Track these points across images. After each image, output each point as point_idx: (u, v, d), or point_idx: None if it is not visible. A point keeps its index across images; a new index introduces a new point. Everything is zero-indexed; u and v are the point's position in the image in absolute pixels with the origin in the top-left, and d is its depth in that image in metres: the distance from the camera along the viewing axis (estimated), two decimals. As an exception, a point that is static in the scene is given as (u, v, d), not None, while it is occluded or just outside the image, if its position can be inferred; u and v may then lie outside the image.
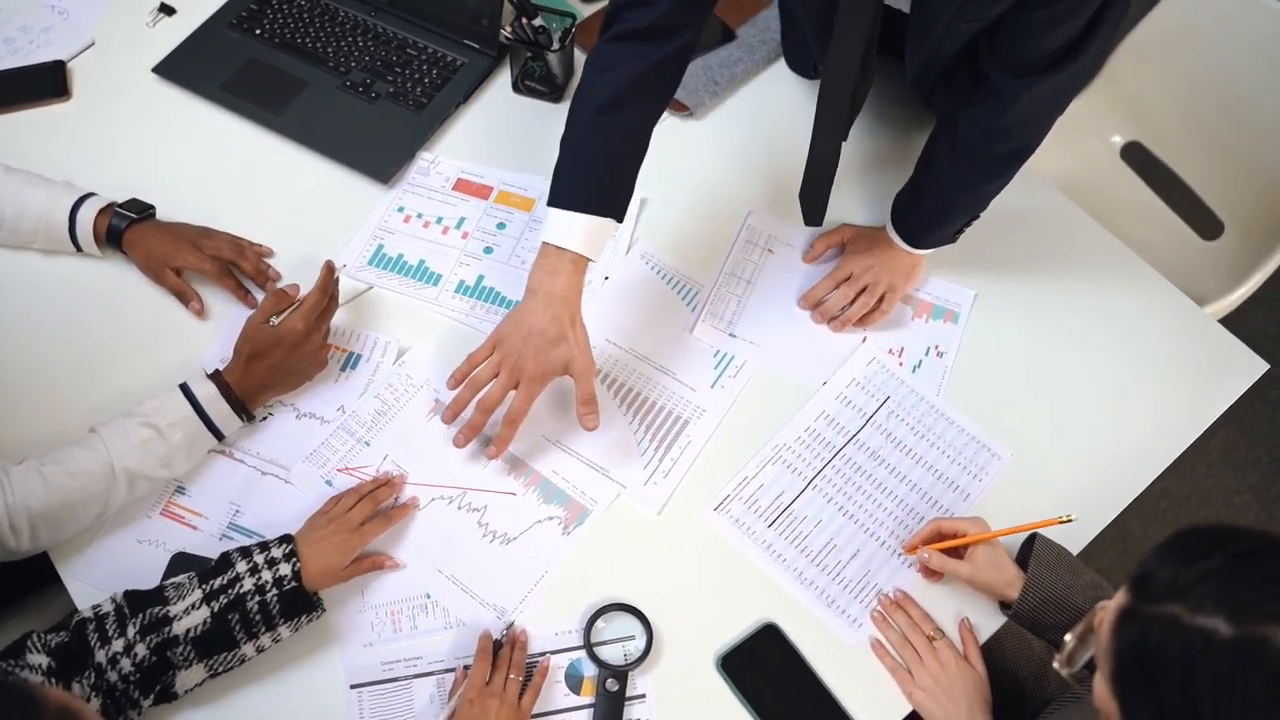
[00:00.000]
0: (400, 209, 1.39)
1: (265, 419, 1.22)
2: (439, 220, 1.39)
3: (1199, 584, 0.67)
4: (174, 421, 1.11)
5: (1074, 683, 0.78)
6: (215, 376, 1.15)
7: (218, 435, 1.15)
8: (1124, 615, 0.70)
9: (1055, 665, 0.79)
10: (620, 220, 1.16)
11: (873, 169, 1.45)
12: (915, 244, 1.30)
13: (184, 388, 1.13)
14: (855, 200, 1.42)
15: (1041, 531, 1.13)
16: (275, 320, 1.16)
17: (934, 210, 1.27)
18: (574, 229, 1.12)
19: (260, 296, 1.30)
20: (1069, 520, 1.10)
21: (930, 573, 1.17)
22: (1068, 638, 0.78)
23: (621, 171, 1.16)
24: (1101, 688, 0.72)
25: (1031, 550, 1.12)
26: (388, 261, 1.35)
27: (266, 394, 1.19)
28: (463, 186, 1.41)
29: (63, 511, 1.06)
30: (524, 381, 1.13)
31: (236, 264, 1.30)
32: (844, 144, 1.23)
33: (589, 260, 1.14)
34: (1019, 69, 1.08)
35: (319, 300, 1.17)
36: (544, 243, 1.14)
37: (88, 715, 0.68)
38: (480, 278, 1.34)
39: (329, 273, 1.18)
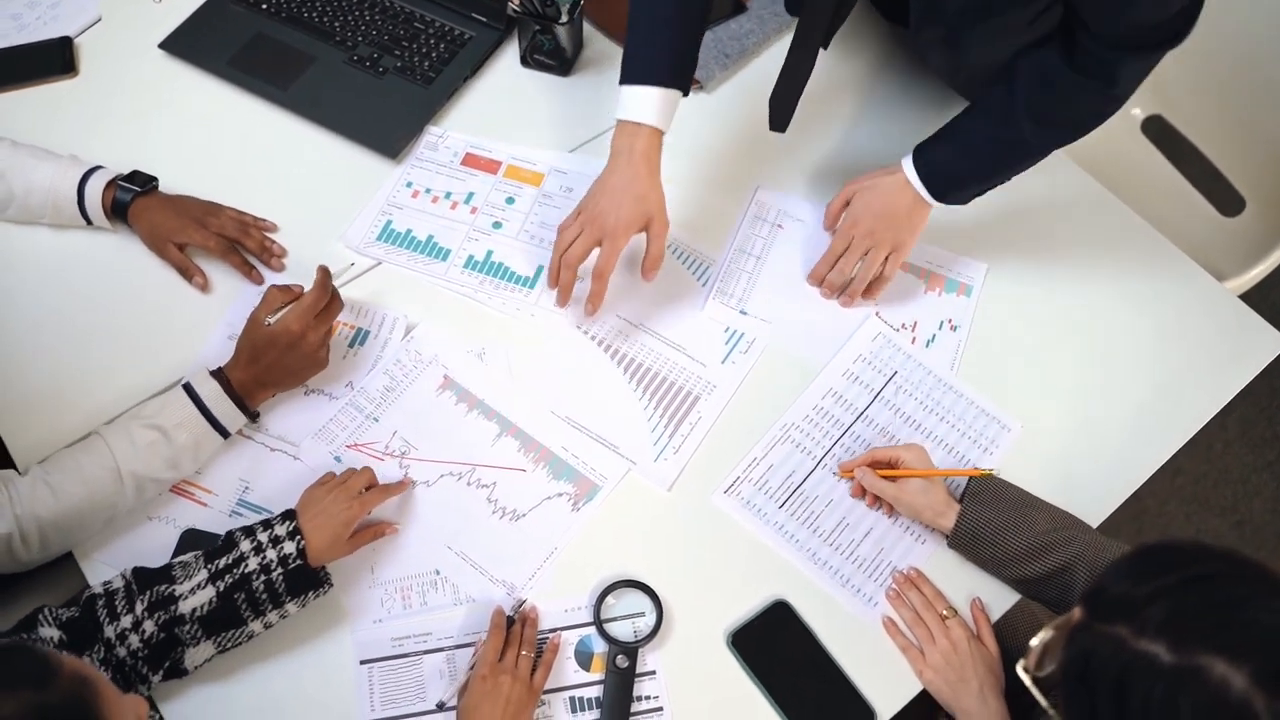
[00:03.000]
0: (408, 184, 1.38)
1: (272, 395, 1.21)
2: (447, 195, 1.37)
3: (1147, 606, 0.67)
4: (178, 422, 1.10)
5: (1038, 691, 0.77)
6: (217, 374, 1.14)
7: (223, 433, 1.14)
8: (1075, 629, 0.70)
9: (1018, 669, 0.78)
10: (686, 92, 1.21)
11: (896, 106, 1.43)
12: (941, 195, 1.25)
13: (187, 387, 1.12)
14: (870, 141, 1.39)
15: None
16: (272, 319, 1.14)
17: (982, 159, 1.23)
18: (648, 102, 1.18)
19: (265, 271, 1.30)
20: (989, 473, 1.15)
21: (863, 493, 1.19)
22: (1033, 642, 0.77)
23: (685, 43, 1.21)
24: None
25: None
26: (396, 237, 1.34)
27: (265, 391, 1.17)
28: (471, 161, 1.40)
29: (72, 519, 1.06)
30: (606, 238, 1.19)
31: (240, 242, 1.29)
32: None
33: (662, 133, 1.20)
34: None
35: (316, 300, 1.15)
36: (619, 120, 1.20)
37: (101, 682, 0.68)
38: (489, 253, 1.33)
39: (325, 274, 1.17)
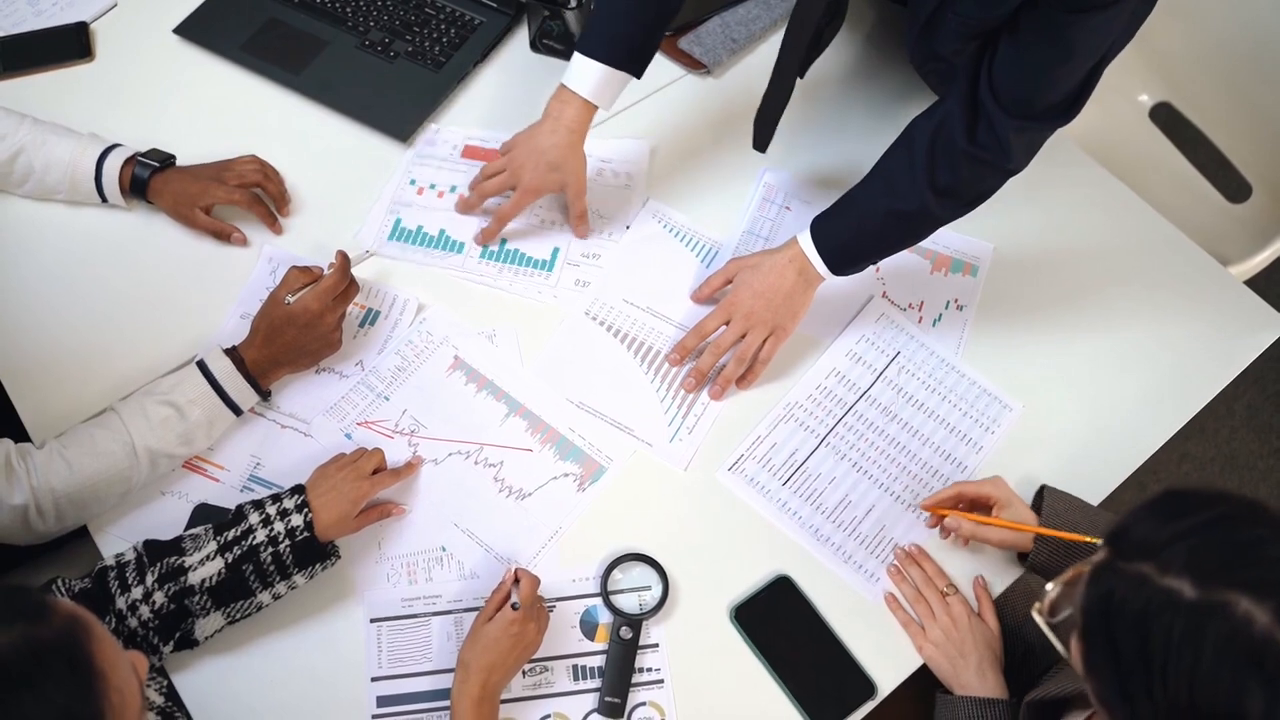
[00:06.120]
0: (412, 181, 1.38)
1: (285, 374, 1.23)
2: (453, 189, 1.38)
3: (1170, 545, 0.67)
4: (192, 399, 1.12)
5: (1052, 634, 0.77)
6: (231, 352, 1.16)
7: (235, 410, 1.16)
8: (1098, 570, 0.70)
9: (1034, 613, 0.78)
10: (639, 76, 1.23)
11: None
12: (840, 268, 1.21)
13: (201, 365, 1.14)
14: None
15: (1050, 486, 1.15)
16: (291, 299, 1.16)
17: (882, 232, 1.20)
18: (590, 76, 1.21)
19: (285, 255, 1.32)
20: (1094, 540, 1.07)
21: (938, 522, 1.17)
22: (1049, 586, 0.77)
23: (649, 31, 1.23)
24: (1075, 644, 0.72)
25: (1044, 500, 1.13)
26: (408, 234, 1.35)
27: (279, 371, 1.19)
28: (471, 153, 1.41)
29: (87, 493, 1.07)
30: (519, 189, 1.26)
31: (263, 186, 1.31)
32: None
33: (596, 107, 1.24)
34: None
35: (336, 283, 1.17)
36: (561, 83, 1.24)
37: (96, 625, 0.68)
38: (503, 241, 1.34)
39: (344, 259, 1.19)
